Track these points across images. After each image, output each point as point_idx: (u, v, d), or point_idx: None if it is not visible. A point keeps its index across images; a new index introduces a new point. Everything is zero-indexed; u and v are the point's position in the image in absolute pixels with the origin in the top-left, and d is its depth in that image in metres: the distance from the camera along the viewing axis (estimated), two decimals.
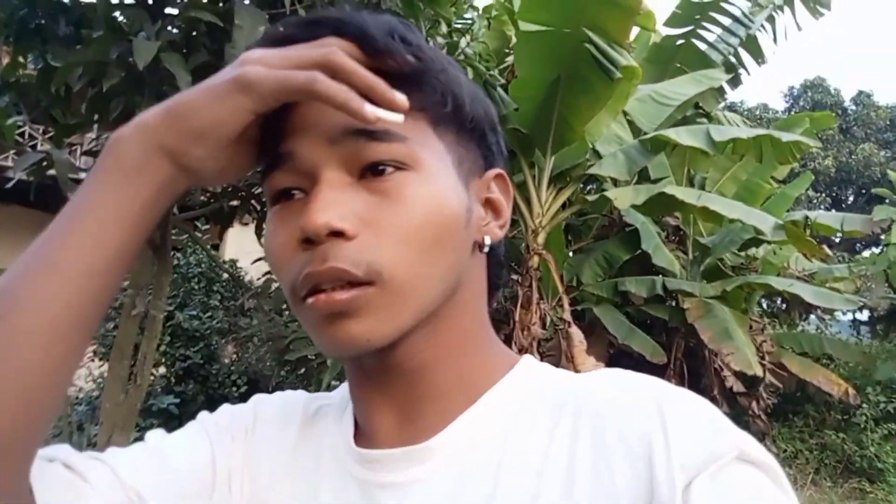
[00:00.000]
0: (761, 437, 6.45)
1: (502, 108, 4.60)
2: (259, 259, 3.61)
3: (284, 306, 3.68)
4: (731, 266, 7.57)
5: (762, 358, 6.58)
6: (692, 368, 6.98)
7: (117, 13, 2.24)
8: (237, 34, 1.96)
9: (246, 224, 3.78)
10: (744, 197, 7.05)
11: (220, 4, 2.20)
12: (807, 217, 6.63)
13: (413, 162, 0.46)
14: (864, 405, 7.08)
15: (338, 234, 0.44)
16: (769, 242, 7.14)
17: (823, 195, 17.47)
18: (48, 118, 2.67)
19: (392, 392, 0.51)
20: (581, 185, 6.23)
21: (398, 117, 0.46)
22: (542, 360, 0.56)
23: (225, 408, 0.61)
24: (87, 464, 0.49)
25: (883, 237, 8.00)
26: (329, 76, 0.43)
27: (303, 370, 3.83)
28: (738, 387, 6.59)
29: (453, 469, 0.49)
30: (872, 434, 6.99)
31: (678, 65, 6.54)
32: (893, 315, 8.92)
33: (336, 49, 0.45)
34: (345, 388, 0.61)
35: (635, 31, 6.39)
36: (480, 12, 4.41)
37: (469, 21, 3.96)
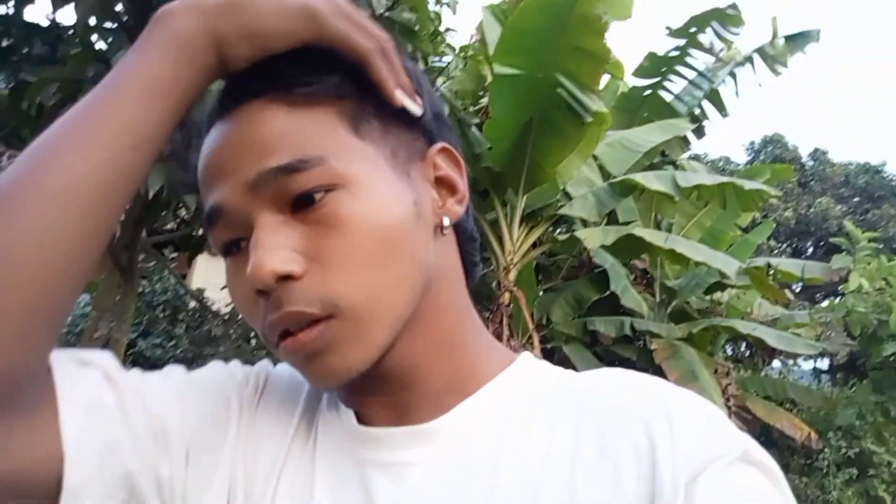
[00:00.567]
0: None
1: (476, 147, 4.69)
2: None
3: (252, 333, 3.64)
4: (696, 309, 7.70)
5: (727, 400, 6.64)
6: None
7: (94, 36, 2.26)
8: None
9: (215, 254, 3.73)
10: (709, 242, 7.22)
11: None
12: (769, 263, 6.82)
13: (339, 180, 0.45)
14: (826, 450, 7.16)
15: (286, 278, 0.43)
16: (733, 287, 7.30)
17: (784, 245, 18.01)
18: (17, 139, 2.64)
19: (385, 394, 0.51)
20: (552, 226, 6.32)
21: (418, 110, 0.48)
22: None
23: (238, 369, 0.58)
24: (123, 380, 0.47)
25: (841, 287, 8.24)
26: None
27: None
28: None
29: (455, 453, 0.48)
30: (835, 479, 7.05)
31: (645, 114, 6.76)
32: (852, 363, 9.11)
33: (390, 40, 0.48)
34: None
35: (606, 79, 6.62)
36: (457, 52, 4.53)
37: (445, 63, 4.06)
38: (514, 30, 4.53)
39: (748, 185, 5.69)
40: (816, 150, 20.10)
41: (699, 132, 7.35)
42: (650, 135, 6.14)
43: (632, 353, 6.69)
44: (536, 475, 0.45)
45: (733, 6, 6.02)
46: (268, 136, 0.45)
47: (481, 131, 4.99)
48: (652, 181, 5.41)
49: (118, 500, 0.46)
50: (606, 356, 6.69)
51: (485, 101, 5.29)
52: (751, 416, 7.03)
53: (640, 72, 6.77)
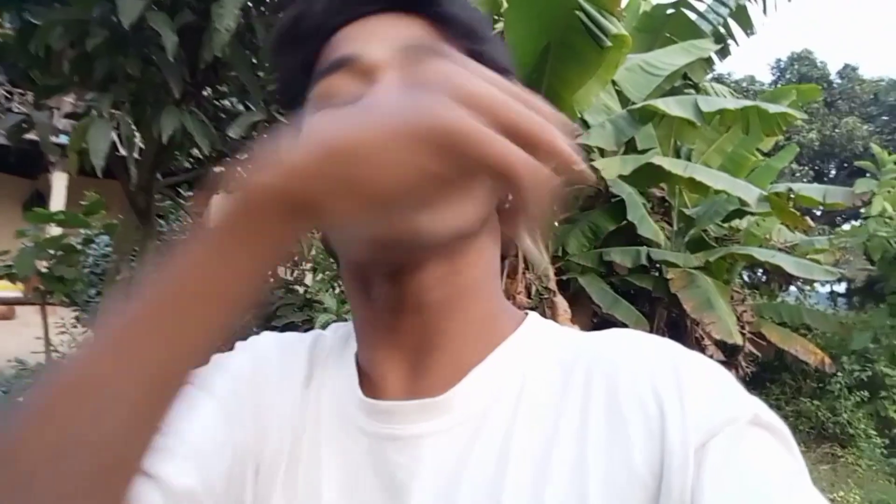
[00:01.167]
0: None
1: None
2: None
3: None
4: (714, 237, 7.65)
5: (742, 328, 6.69)
6: (674, 337, 6.91)
7: None
8: None
9: (231, 192, 3.73)
10: (729, 168, 7.09)
11: None
12: (790, 189, 6.69)
13: None
14: (839, 374, 7.25)
15: None
16: (753, 214, 7.21)
17: (807, 168, 17.63)
18: (27, 79, 2.60)
19: (405, 334, 0.50)
20: None
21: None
22: None
23: (219, 370, 0.52)
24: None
25: (863, 210, 8.10)
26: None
27: None
28: (718, 355, 6.70)
29: (467, 425, 0.48)
30: (846, 402, 7.17)
31: (668, 34, 6.49)
32: (870, 287, 9.06)
33: (556, 131, 0.33)
34: (343, 328, 0.59)
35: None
36: None
37: None
38: None
39: (773, 108, 5.52)
40: (846, 66, 19.31)
41: (724, 52, 7.07)
42: (672, 57, 5.92)
43: (648, 282, 6.71)
44: (548, 438, 0.45)
45: None
46: (422, 33, 0.49)
47: None
48: (673, 107, 5.25)
49: None
50: (622, 287, 6.72)
51: (500, 26, 5.08)
52: (765, 341, 7.10)
53: None
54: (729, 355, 6.79)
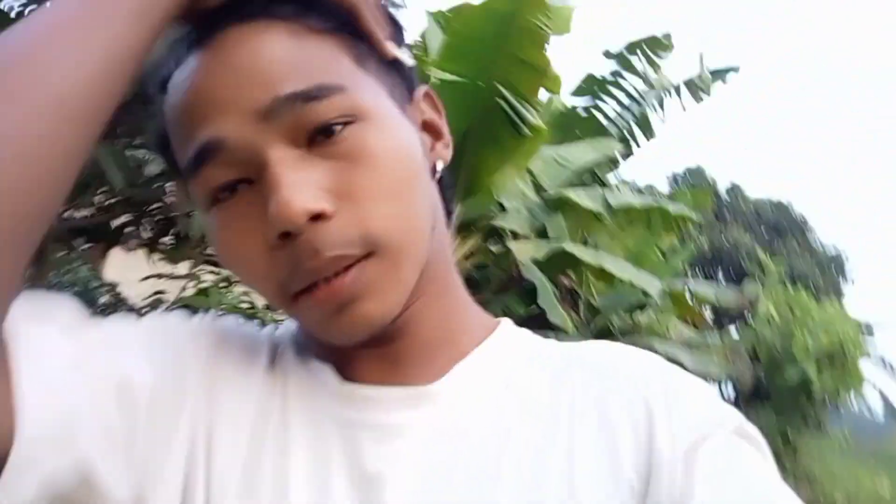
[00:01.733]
0: None
1: None
2: (148, 277, 3.34)
3: None
4: (619, 328, 7.94)
5: None
6: None
7: None
8: None
9: (131, 250, 3.54)
10: (632, 263, 7.48)
11: None
12: (687, 285, 7.12)
13: (358, 111, 0.41)
14: None
15: (317, 217, 0.39)
16: (653, 308, 7.58)
17: (698, 273, 18.96)
18: None
19: (376, 343, 0.46)
20: (484, 238, 6.37)
21: (409, 59, 0.45)
22: None
23: (190, 321, 0.50)
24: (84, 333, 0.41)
25: (748, 314, 8.71)
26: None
27: None
28: None
29: (453, 418, 0.45)
30: None
31: (578, 132, 6.96)
32: (757, 392, 9.59)
33: None
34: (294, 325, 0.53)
35: (545, 95, 6.77)
36: None
37: None
38: (457, 36, 4.57)
39: (674, 208, 5.94)
40: (733, 185, 21.41)
41: (628, 153, 7.63)
42: (583, 152, 6.32)
43: None
44: (540, 444, 0.44)
45: (667, 36, 6.32)
46: (277, 60, 0.40)
47: None
48: (584, 198, 5.55)
49: (68, 472, 0.38)
50: None
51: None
52: None
53: (578, 92, 6.99)
54: None
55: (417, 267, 0.44)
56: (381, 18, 0.45)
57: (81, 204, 3.12)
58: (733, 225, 19.96)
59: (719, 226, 19.77)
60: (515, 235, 6.12)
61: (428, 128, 0.50)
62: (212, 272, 3.51)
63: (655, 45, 6.46)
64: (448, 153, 0.51)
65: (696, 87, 6.99)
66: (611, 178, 8.13)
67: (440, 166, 0.49)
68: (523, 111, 4.66)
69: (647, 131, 7.41)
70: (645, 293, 6.31)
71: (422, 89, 0.51)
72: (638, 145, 7.44)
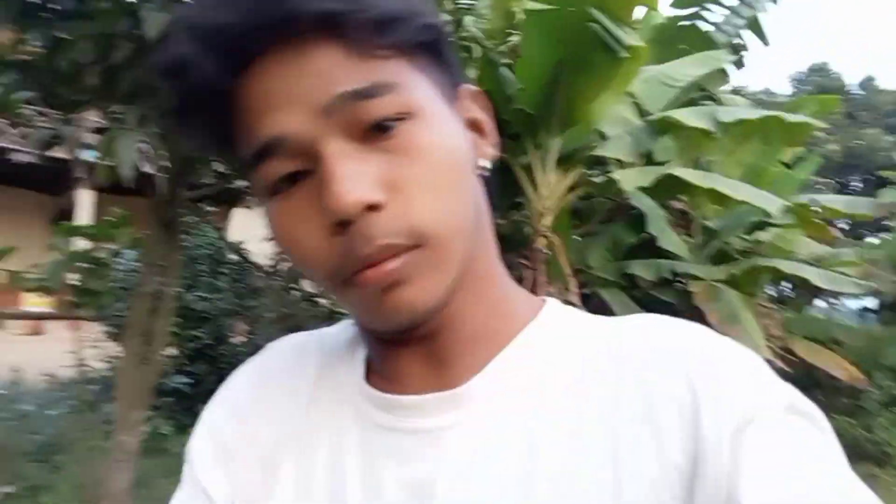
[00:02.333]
0: None
1: (507, 89, 4.59)
2: (272, 239, 3.62)
3: (294, 286, 3.72)
4: (738, 250, 7.55)
5: (770, 342, 6.56)
6: None
7: None
8: None
9: (251, 208, 3.79)
10: (749, 180, 7.01)
11: None
12: (814, 200, 6.60)
13: (411, 108, 0.44)
14: (873, 390, 7.06)
15: (370, 208, 0.42)
16: (777, 226, 7.12)
17: (830, 181, 17.40)
18: (54, 95, 2.68)
19: (419, 342, 0.49)
20: (587, 168, 6.21)
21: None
22: None
23: (193, 455, 0.56)
24: None
25: (890, 224, 7.95)
26: None
27: None
28: None
29: (490, 415, 0.47)
30: (881, 419, 6.97)
31: (682, 46, 6.49)
32: None
33: None
34: (352, 327, 0.59)
35: (641, 11, 6.36)
36: None
37: (472, 0, 3.94)
38: None
39: (792, 117, 5.48)
40: (866, 77, 19.16)
41: (739, 63, 7.06)
42: (688, 68, 5.92)
43: (671, 296, 6.63)
44: (578, 438, 0.44)
45: None
46: (336, 63, 0.43)
47: (512, 72, 4.87)
48: (691, 118, 5.24)
49: None
50: (645, 300, 6.65)
51: (515, 39, 5.13)
52: (794, 357, 6.94)
53: (678, 2, 6.48)
54: None
55: (461, 260, 0.46)
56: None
57: (204, 173, 3.38)
58: (868, 124, 17.97)
59: (852, 127, 17.88)
60: (621, 164, 5.92)
61: (474, 126, 0.52)
62: None
63: None
64: (494, 152, 0.53)
65: None
66: (726, 88, 7.59)
67: (486, 164, 0.51)
68: (618, 32, 4.42)
69: (761, 36, 6.79)
70: (765, 212, 5.95)
71: (469, 87, 0.53)
72: (751, 54, 6.85)
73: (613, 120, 5.61)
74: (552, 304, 0.54)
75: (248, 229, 4.67)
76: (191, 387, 5.32)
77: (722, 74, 6.97)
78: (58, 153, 2.72)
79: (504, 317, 0.51)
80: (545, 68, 4.77)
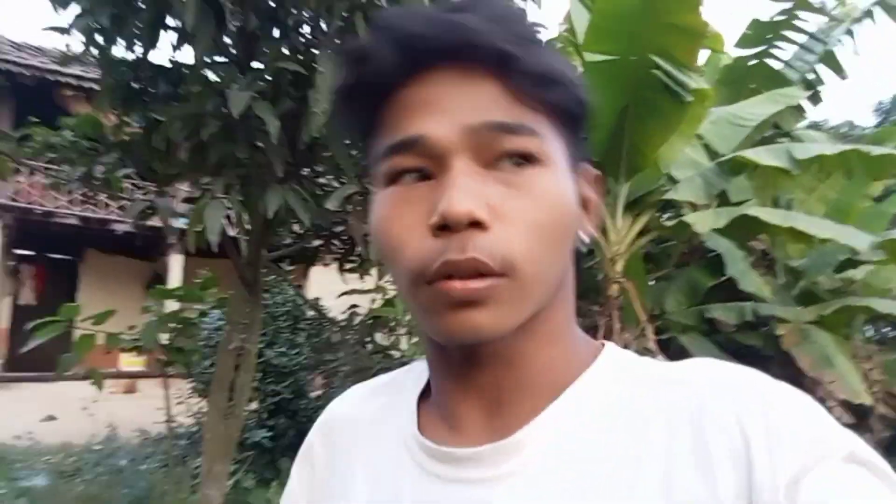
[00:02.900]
0: None
1: None
2: (343, 294, 3.75)
3: (368, 339, 3.82)
4: (826, 289, 7.15)
5: (871, 386, 6.12)
6: None
7: (210, 71, 2.46)
8: (320, 80, 2.11)
9: (327, 265, 3.95)
10: (835, 216, 6.69)
11: (301, 57, 2.38)
12: None
13: (544, 157, 0.47)
14: None
15: (475, 224, 0.44)
16: (868, 263, 6.72)
17: None
18: (150, 171, 2.93)
19: (480, 383, 0.51)
20: (658, 212, 6.12)
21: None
22: None
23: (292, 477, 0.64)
24: None
25: None
26: None
27: None
28: (846, 418, 6.13)
29: (542, 464, 0.47)
30: None
31: (752, 85, 6.38)
32: None
33: None
34: (417, 367, 0.62)
35: (706, 54, 6.33)
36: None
37: None
38: (603, 14, 4.44)
39: (876, 150, 5.23)
40: None
41: (815, 99, 6.84)
42: (759, 107, 5.79)
43: (756, 340, 6.33)
44: (630, 482, 0.44)
45: None
46: (495, 96, 0.46)
47: None
48: (764, 156, 5.10)
49: None
50: (728, 345, 6.37)
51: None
52: None
53: (743, 41, 6.40)
54: (859, 417, 6.19)
55: (538, 303, 0.47)
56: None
57: (282, 235, 3.57)
58: None
59: None
60: (694, 206, 5.80)
61: (584, 203, 0.54)
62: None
63: None
64: (592, 233, 0.55)
65: (892, 6, 6.06)
66: (803, 125, 7.36)
67: (585, 238, 0.53)
68: (682, 77, 4.41)
69: (837, 69, 6.59)
70: (852, 249, 5.65)
71: (590, 169, 0.56)
72: (826, 89, 6.64)
73: (683, 163, 5.53)
74: (609, 350, 0.54)
75: (325, 287, 4.85)
76: (271, 440, 5.47)
77: (797, 111, 6.78)
78: (152, 222, 2.94)
79: (565, 366, 0.52)
80: (609, 116, 4.80)
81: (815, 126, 8.45)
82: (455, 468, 0.50)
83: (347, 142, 2.82)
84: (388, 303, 3.57)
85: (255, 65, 2.54)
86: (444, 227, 0.44)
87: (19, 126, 3.11)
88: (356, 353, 3.91)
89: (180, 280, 9.86)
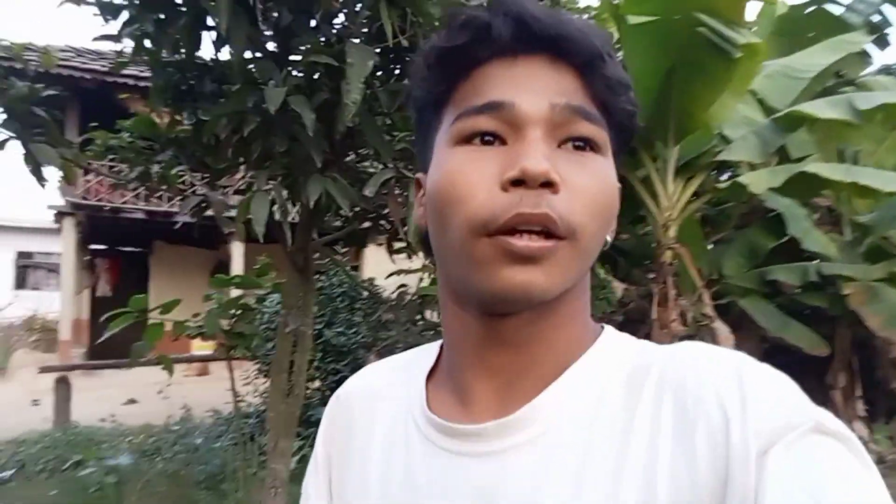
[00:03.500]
0: None
1: None
2: (392, 274, 3.84)
3: (418, 317, 3.91)
4: None
5: None
6: (863, 360, 6.32)
7: (250, 66, 2.54)
8: (350, 71, 2.15)
9: (379, 244, 4.05)
10: None
11: (334, 47, 2.43)
12: None
13: (605, 149, 0.52)
14: None
15: (547, 186, 0.47)
16: None
17: None
18: (202, 165, 3.07)
19: (496, 364, 0.54)
20: (712, 173, 5.93)
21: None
22: None
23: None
24: None
25: None
26: None
27: None
28: None
29: (547, 437, 0.51)
30: None
31: (811, 34, 6.05)
32: None
33: None
34: (417, 355, 0.67)
35: (758, 6, 6.04)
36: (582, 11, 4.40)
37: None
38: None
39: None
40: None
41: (881, 42, 6.44)
42: (817, 57, 5.50)
43: (821, 300, 6.10)
44: (620, 454, 0.48)
45: None
46: (577, 87, 0.52)
47: None
48: (823, 109, 4.86)
49: None
50: (792, 307, 6.17)
51: (618, 56, 5.05)
52: None
53: None
54: None
55: (578, 275, 0.51)
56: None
57: (330, 220, 3.67)
58: None
59: None
60: (752, 166, 5.60)
61: None
62: None
63: None
64: (611, 238, 0.58)
65: None
66: (871, 71, 6.94)
67: (609, 239, 0.56)
68: (730, 34, 4.23)
69: None
70: None
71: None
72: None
73: (736, 122, 5.33)
74: (608, 332, 0.58)
75: (379, 266, 4.96)
76: None
77: (862, 57, 6.41)
78: (211, 212, 3.09)
79: (571, 345, 0.55)
80: (654, 79, 4.67)
81: (888, 70, 7.93)
82: (462, 443, 0.54)
83: (389, 122, 2.88)
84: (435, 282, 3.66)
85: (292, 58, 2.61)
86: (518, 184, 0.47)
87: (84, 128, 3.29)
88: (407, 331, 4.00)
89: (242, 267, 10.26)
